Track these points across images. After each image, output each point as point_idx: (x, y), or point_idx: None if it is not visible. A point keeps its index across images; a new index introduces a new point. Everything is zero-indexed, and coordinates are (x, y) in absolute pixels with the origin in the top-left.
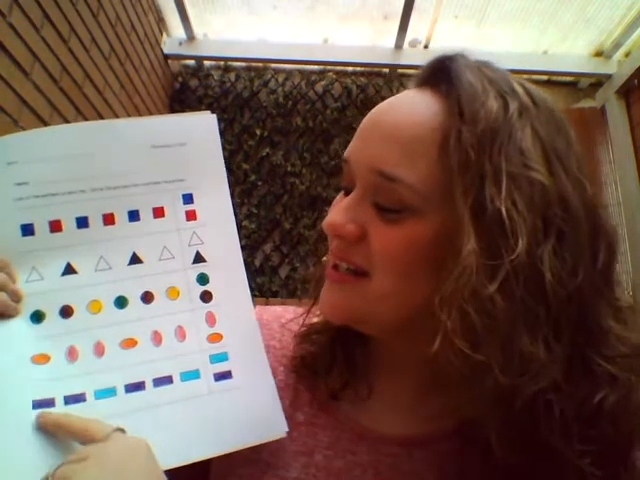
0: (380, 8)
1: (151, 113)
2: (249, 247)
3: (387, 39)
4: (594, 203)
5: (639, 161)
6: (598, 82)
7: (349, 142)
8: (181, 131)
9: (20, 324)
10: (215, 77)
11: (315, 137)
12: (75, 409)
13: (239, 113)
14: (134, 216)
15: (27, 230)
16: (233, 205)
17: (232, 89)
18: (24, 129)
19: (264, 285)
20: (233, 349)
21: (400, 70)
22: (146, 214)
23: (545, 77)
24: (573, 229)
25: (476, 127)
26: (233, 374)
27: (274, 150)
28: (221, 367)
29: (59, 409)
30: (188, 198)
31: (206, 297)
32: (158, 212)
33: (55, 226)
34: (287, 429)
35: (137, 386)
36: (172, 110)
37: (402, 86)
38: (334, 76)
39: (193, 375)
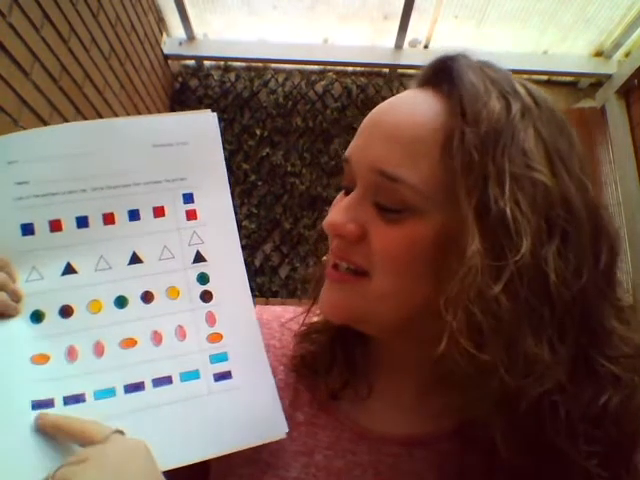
0: (380, 8)
1: (151, 113)
2: (249, 247)
3: (387, 39)
4: (596, 204)
5: (639, 161)
6: (598, 82)
7: (349, 142)
8: (181, 130)
9: (20, 324)
10: (215, 77)
11: (315, 137)
12: (74, 410)
13: (239, 113)
14: (134, 215)
15: (27, 229)
16: (233, 205)
17: (232, 89)
18: (24, 129)
19: (264, 285)
20: (233, 349)
21: (400, 70)
22: (146, 213)
23: (545, 77)
24: (576, 230)
25: (479, 128)
26: (233, 374)
27: (274, 150)
28: (221, 367)
29: (58, 410)
30: (188, 197)
31: (206, 297)
32: (158, 211)
33: (55, 225)
34: (287, 429)
35: (136, 386)
36: (172, 110)
37: (402, 86)
38: (334, 76)
39: (193, 375)
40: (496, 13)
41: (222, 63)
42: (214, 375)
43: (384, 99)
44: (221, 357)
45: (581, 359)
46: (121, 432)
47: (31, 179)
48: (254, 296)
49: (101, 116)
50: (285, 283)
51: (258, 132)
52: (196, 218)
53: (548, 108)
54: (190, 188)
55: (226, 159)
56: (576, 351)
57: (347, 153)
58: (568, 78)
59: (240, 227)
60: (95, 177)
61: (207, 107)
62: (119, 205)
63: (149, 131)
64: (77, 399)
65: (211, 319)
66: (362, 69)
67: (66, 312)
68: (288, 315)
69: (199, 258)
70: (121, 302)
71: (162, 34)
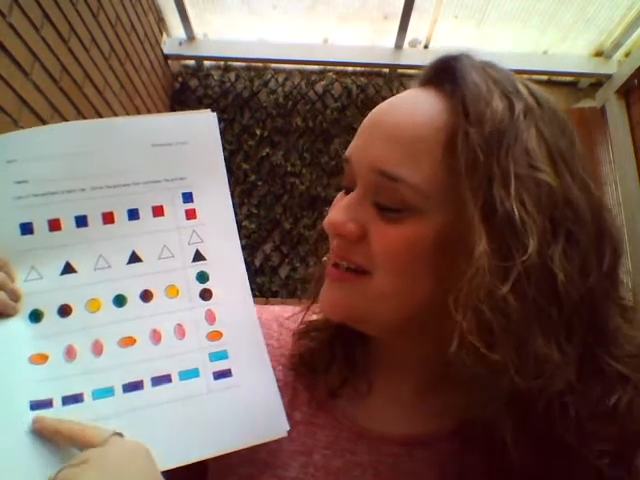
0: (380, 8)
1: (151, 113)
2: (249, 247)
3: (387, 39)
4: (599, 204)
5: (639, 161)
6: (598, 82)
7: (349, 142)
8: (181, 129)
9: (18, 323)
10: (215, 77)
11: (315, 137)
12: (73, 410)
13: (239, 113)
14: (134, 215)
15: (26, 229)
16: (233, 205)
17: (232, 89)
18: (24, 129)
19: (264, 285)
20: (233, 347)
21: (400, 70)
22: (146, 213)
23: (545, 77)
24: (580, 230)
25: (483, 128)
26: (233, 372)
27: (274, 150)
28: (221, 365)
29: (57, 410)
30: (188, 197)
31: (206, 295)
32: (158, 211)
33: (54, 225)
34: (288, 428)
35: (135, 385)
36: (172, 110)
37: (402, 86)
38: (334, 76)
39: (192, 374)
40: (496, 13)
41: (222, 63)
42: (214, 373)
43: (384, 99)
44: (221, 355)
45: (588, 358)
46: (120, 434)
47: (30, 178)
48: (254, 296)
49: (101, 116)
50: (285, 283)
51: (258, 132)
52: (195, 217)
53: (550, 108)
54: (189, 187)
55: (226, 159)
56: (583, 350)
57: (347, 153)
58: (568, 78)
59: (240, 227)
60: (94, 176)
61: (207, 107)
62: (118, 204)
63: (148, 131)
64: (76, 399)
65: (211, 317)
66: (362, 69)
67: (65, 311)
68: (287, 315)
69: (198, 257)
70: (120, 301)
71: (162, 34)
